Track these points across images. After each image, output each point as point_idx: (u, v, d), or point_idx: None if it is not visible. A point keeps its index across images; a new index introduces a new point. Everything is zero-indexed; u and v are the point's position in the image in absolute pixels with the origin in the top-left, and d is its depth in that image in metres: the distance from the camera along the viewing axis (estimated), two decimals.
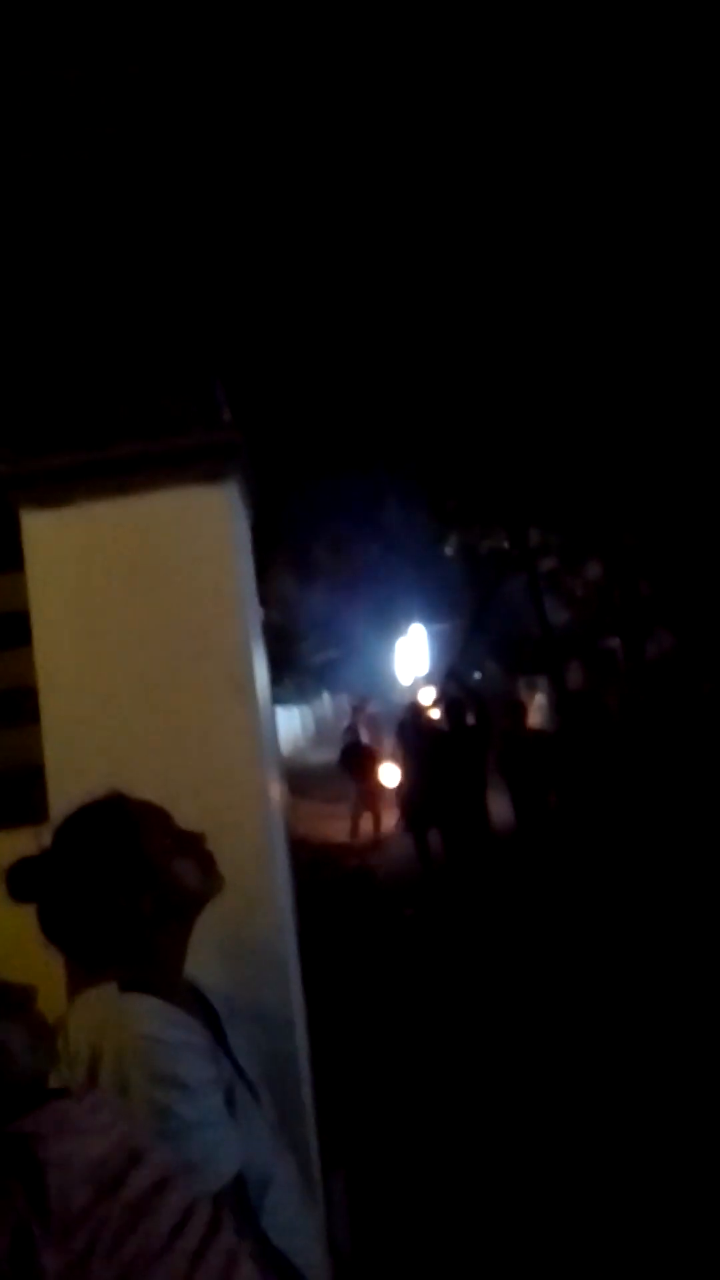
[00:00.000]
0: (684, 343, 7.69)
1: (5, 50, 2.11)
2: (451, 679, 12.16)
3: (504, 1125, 3.91)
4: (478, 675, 19.80)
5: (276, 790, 2.07)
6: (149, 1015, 1.24)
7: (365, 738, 13.17)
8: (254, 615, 2.05)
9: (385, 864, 9.90)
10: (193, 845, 1.44)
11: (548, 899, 6.95)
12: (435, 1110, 4.14)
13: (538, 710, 16.56)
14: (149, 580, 1.91)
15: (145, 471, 1.92)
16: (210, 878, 1.44)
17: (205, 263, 2.25)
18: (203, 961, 1.50)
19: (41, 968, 1.26)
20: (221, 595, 1.92)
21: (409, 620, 16.53)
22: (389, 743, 11.64)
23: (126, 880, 1.34)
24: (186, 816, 1.46)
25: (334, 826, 11.71)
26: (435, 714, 9.42)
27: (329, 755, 23.80)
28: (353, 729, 12.06)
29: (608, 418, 8.94)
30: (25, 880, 1.35)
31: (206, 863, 1.45)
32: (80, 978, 1.33)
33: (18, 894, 1.35)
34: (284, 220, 4.32)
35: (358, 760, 11.48)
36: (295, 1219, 1.34)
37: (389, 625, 16.81)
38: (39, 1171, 0.76)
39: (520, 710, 9.27)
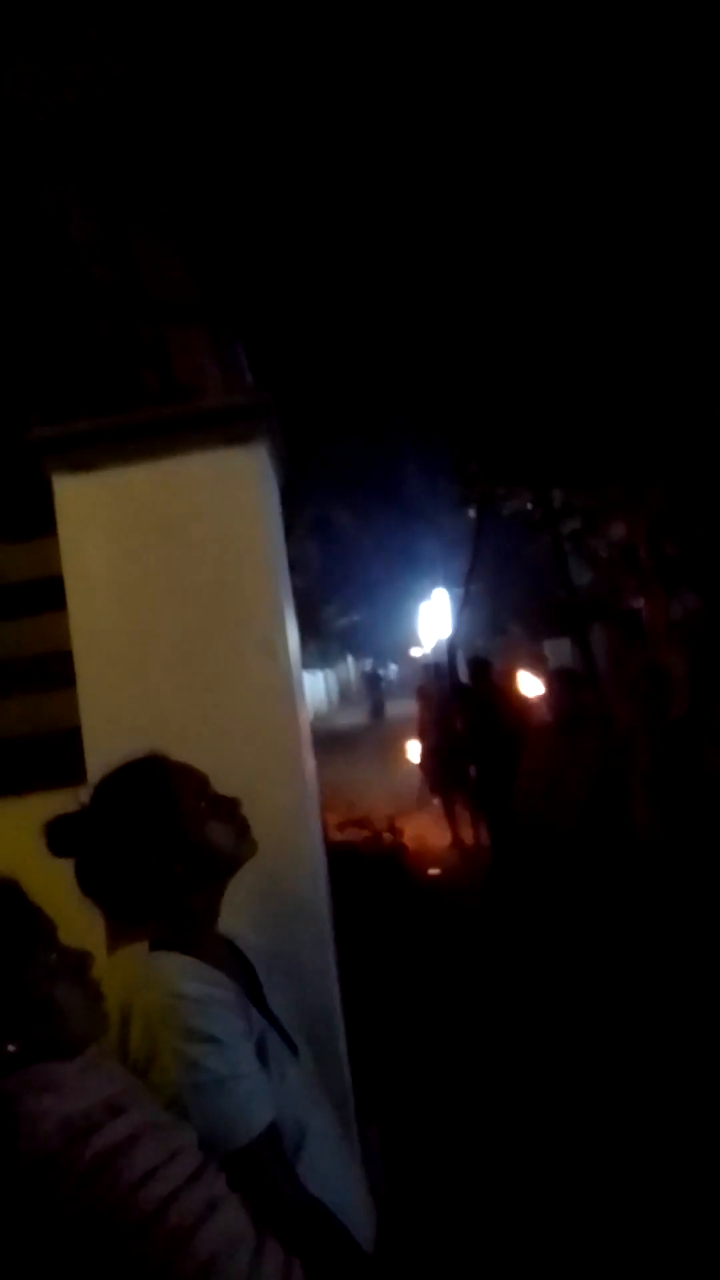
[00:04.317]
0: (710, 302, 7.56)
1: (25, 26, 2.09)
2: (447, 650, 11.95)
3: (538, 1077, 3.96)
4: (501, 638, 19.76)
5: (308, 750, 2.09)
6: (177, 973, 1.26)
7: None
8: (284, 576, 2.05)
9: (412, 829, 9.94)
10: (228, 810, 1.46)
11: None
12: (471, 1063, 4.20)
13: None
14: (180, 543, 1.91)
15: (174, 434, 1.92)
16: (244, 842, 1.47)
17: (226, 228, 2.23)
18: (239, 918, 1.53)
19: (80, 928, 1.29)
20: (252, 557, 1.93)
21: (433, 584, 16.46)
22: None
23: (160, 841, 1.36)
24: (220, 776, 1.48)
25: (360, 788, 11.74)
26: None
27: (354, 718, 24.00)
28: (438, 706, 8.53)
29: (632, 377, 8.82)
30: (63, 835, 1.39)
31: (240, 827, 1.47)
32: (116, 934, 1.36)
33: (56, 848, 1.38)
34: (304, 183, 4.26)
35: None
36: (333, 1169, 1.36)
37: (412, 589, 16.76)
38: (12, 1122, 0.92)
39: (485, 672, 8.38)
